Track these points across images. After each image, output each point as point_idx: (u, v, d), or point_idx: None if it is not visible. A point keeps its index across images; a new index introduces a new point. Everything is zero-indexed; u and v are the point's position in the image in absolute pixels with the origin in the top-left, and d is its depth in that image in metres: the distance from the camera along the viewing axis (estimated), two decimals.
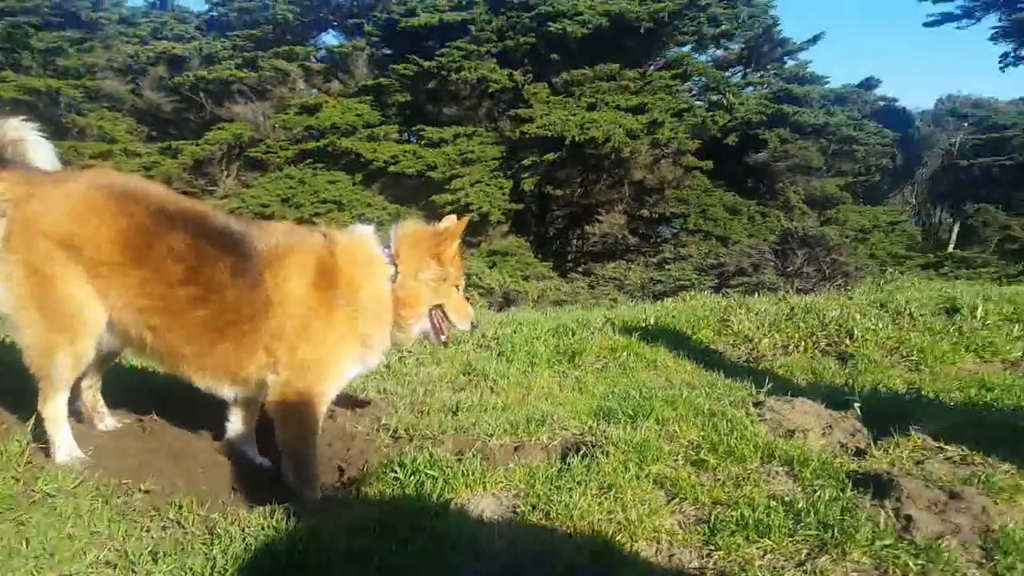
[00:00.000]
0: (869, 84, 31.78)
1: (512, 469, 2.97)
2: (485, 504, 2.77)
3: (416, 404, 3.96)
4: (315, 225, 3.17)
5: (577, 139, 21.03)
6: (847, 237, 19.55)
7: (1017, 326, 6.03)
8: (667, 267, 14.62)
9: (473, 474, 2.89)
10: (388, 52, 26.59)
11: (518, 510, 2.72)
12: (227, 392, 2.94)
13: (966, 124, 48.31)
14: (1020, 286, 9.33)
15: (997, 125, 43.81)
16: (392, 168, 23.40)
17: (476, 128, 24.37)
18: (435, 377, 4.62)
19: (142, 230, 2.70)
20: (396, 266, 2.95)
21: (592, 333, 5.80)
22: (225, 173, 24.96)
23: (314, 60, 27.64)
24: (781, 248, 11.29)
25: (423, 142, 24.22)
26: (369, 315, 2.89)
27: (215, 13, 29.27)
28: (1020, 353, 5.58)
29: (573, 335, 5.74)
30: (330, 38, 31.08)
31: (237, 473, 3.04)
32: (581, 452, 3.12)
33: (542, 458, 3.19)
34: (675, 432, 3.36)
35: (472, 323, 3.16)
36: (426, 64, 23.73)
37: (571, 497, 2.70)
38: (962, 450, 3.24)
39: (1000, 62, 32.02)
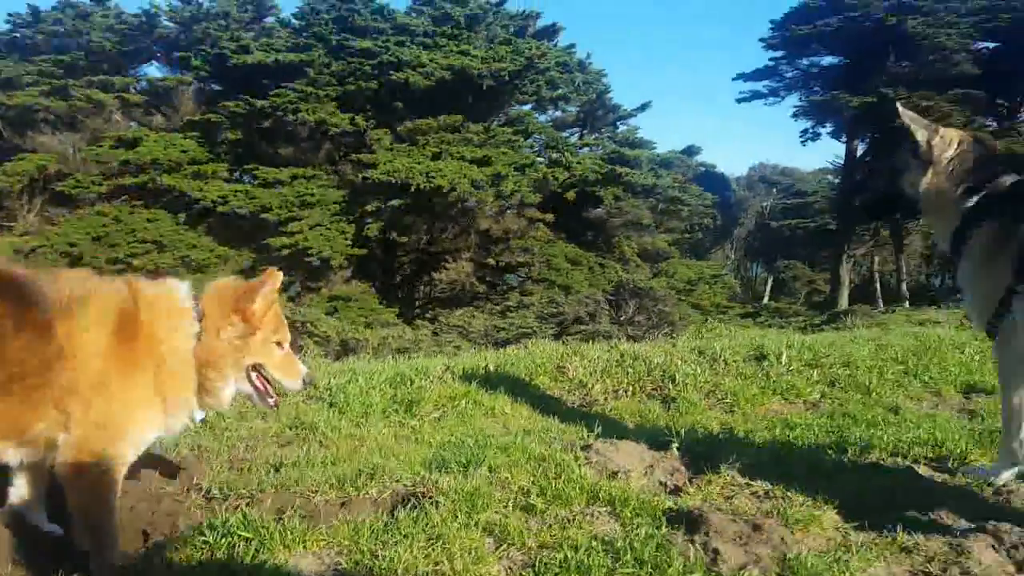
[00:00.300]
0: (691, 151, 34.82)
1: (336, 525, 2.85)
2: (305, 564, 2.64)
3: (235, 461, 3.73)
4: (125, 270, 2.89)
5: (422, 187, 21.25)
6: (674, 289, 21.06)
7: (816, 371, 6.65)
8: (510, 315, 14.99)
9: (292, 533, 2.75)
10: (218, 88, 25.65)
11: (340, 568, 2.62)
12: (11, 455, 2.60)
13: (775, 190, 53.99)
14: (821, 334, 10.31)
15: (801, 192, 49.43)
16: (221, 208, 22.37)
17: (316, 171, 23.94)
18: (258, 432, 4.38)
19: None
20: (200, 324, 2.74)
21: (431, 382, 5.75)
22: (26, 208, 22.71)
23: (134, 91, 26.04)
24: (615, 298, 11.96)
25: (257, 182, 23.41)
26: (170, 373, 2.67)
27: (17, 35, 26.97)
28: (819, 395, 6.15)
29: (411, 384, 5.67)
30: (153, 70, 29.63)
31: (20, 543, 2.70)
32: (411, 504, 3.06)
33: (371, 513, 3.08)
34: (507, 479, 3.39)
35: (304, 380, 2.97)
36: (259, 103, 23.10)
37: (397, 551, 2.63)
38: (766, 485, 3.50)
39: (801, 137, 36.21)
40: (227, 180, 24.08)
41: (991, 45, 32.37)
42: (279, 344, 2.89)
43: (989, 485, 3.45)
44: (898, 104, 3.81)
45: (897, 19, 30.33)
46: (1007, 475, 3.44)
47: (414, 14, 29.06)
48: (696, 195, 28.48)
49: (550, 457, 3.58)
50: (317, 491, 3.24)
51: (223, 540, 2.71)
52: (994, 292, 3.15)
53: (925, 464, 3.84)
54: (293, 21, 29.73)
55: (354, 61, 25.06)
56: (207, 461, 3.72)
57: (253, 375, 2.84)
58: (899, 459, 3.95)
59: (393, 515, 2.96)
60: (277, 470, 3.62)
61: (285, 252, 22.06)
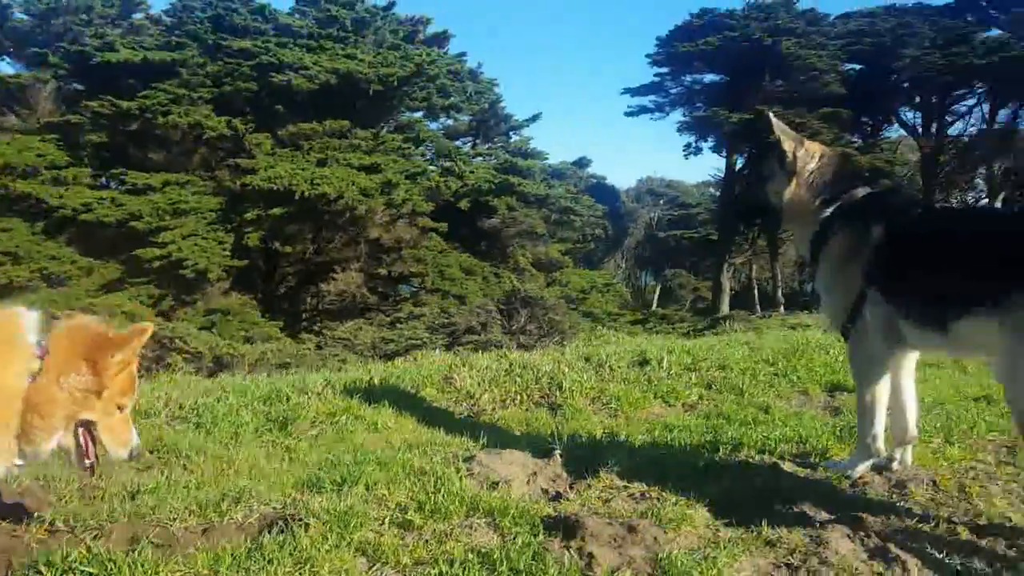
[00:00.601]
0: (582, 163, 35.71)
1: (194, 555, 2.66)
2: None
3: (87, 489, 3.43)
4: None
5: (307, 194, 20.62)
6: (567, 298, 21.41)
7: (694, 374, 6.89)
8: (399, 326, 14.76)
9: (144, 565, 2.53)
10: (79, 87, 23.92)
11: None
12: None
13: (662, 202, 56.20)
14: (702, 339, 10.72)
15: (686, 204, 51.79)
16: (84, 216, 20.77)
17: (190, 177, 22.77)
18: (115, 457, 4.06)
19: None
20: (41, 363, 2.43)
21: (309, 398, 5.53)
22: None
23: None
24: (507, 308, 12.01)
25: (124, 188, 21.96)
26: None
27: None
28: (697, 397, 6.36)
29: (288, 401, 5.43)
30: (4, 66, 27.42)
31: None
32: (278, 528, 2.89)
33: (234, 539, 2.89)
34: (384, 495, 3.28)
35: (131, 452, 2.70)
36: (126, 104, 21.70)
37: None
38: (643, 487, 3.57)
39: (684, 151, 37.78)
40: (91, 186, 22.41)
41: (857, 67, 35.00)
42: (120, 407, 2.62)
43: (847, 478, 3.64)
44: (770, 114, 4.02)
45: (772, 40, 32.28)
46: (862, 468, 3.66)
47: (297, 15, 28.35)
48: (588, 206, 29.16)
49: (430, 471, 3.50)
50: (176, 518, 3.02)
51: None
52: (847, 296, 3.35)
53: (790, 460, 4.01)
54: (164, 18, 28.34)
55: (231, 62, 24.06)
56: (54, 490, 3.40)
57: (80, 431, 2.55)
58: (767, 456, 4.11)
59: (258, 540, 2.79)
60: (133, 498, 3.35)
61: (156, 264, 20.77)
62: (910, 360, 3.60)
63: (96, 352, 2.48)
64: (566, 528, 2.90)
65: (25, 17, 26.68)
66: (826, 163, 3.60)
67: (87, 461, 2.61)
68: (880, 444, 3.60)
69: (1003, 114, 34.00)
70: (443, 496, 3.20)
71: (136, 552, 2.61)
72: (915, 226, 3.31)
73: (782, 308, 32.56)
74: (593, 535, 2.82)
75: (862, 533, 3.05)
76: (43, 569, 2.49)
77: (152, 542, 2.71)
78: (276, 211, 21.52)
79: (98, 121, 22.54)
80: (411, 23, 30.37)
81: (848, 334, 3.45)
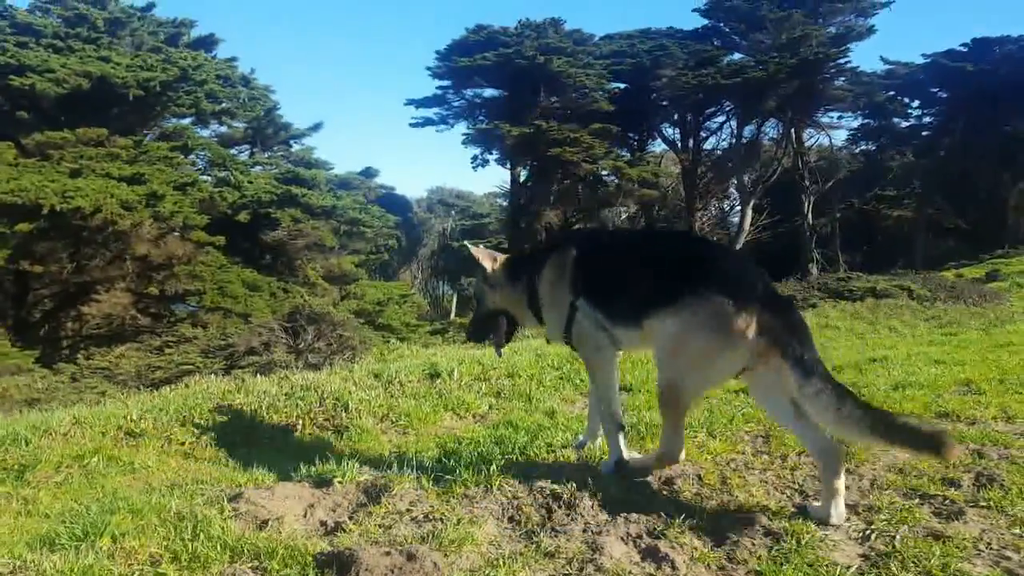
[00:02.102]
0: (369, 173, 35.18)
1: None
2: None
3: None
4: None
5: (58, 208, 18.29)
6: (363, 311, 20.89)
7: (484, 384, 7.00)
8: (168, 351, 13.46)
9: None
10: None
11: None
12: None
13: (454, 212, 57.12)
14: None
15: (477, 214, 53.06)
16: None
17: None
18: None
19: None
20: None
21: (53, 440, 4.87)
22: None
23: None
24: (291, 325, 11.40)
25: None
26: None
27: None
28: (487, 407, 6.45)
29: (27, 445, 4.73)
30: None
31: None
32: None
33: None
34: (133, 548, 2.91)
35: None
36: None
37: None
38: (428, 508, 3.48)
39: (472, 162, 38.54)
40: None
41: (621, 86, 37.66)
42: None
43: (621, 471, 3.83)
44: (466, 243, 4.77)
45: (544, 58, 33.92)
46: (621, 444, 3.93)
47: (39, 13, 25.26)
48: (378, 216, 28.67)
49: (189, 514, 3.17)
50: None
51: None
52: (562, 312, 3.99)
53: (572, 465, 4.11)
54: None
55: None
56: None
57: None
58: (552, 460, 4.20)
59: None
60: None
61: None
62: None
63: None
64: (340, 564, 2.74)
65: None
66: (504, 262, 4.40)
67: None
68: (620, 414, 4.07)
69: (748, 130, 38.07)
70: (202, 543, 2.90)
71: None
72: (598, 249, 4.19)
73: None
74: (368, 569, 2.68)
75: (635, 534, 3.17)
76: None
77: None
78: (22, 227, 18.83)
79: None
80: (173, 25, 28.20)
81: (569, 340, 4.03)
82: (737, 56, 37.59)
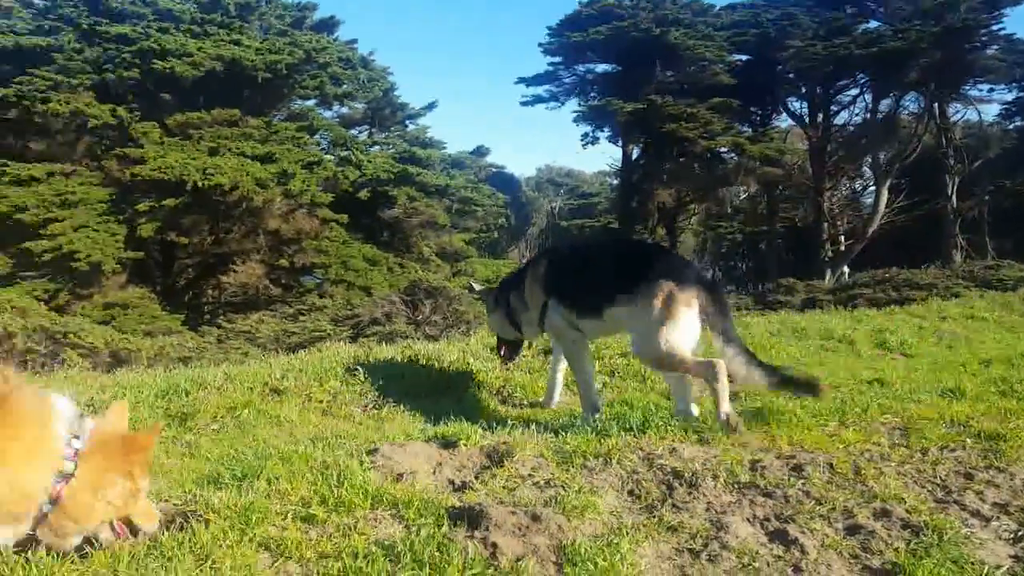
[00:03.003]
0: (480, 152, 35.58)
1: (91, 554, 2.56)
2: None
3: None
4: None
5: (200, 184, 19.74)
6: (468, 288, 21.38)
7: (598, 362, 7.02)
8: (302, 318, 14.37)
9: (38, 567, 2.44)
10: None
11: None
12: None
13: (562, 191, 57.02)
14: None
15: (586, 193, 52.62)
16: None
17: (75, 167, 21.44)
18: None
19: None
20: (75, 468, 2.40)
21: (209, 392, 5.38)
22: None
23: None
24: (411, 299, 11.90)
25: (7, 179, 20.52)
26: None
27: None
28: (600, 385, 6.48)
29: (187, 396, 5.26)
30: None
31: None
32: (178, 525, 2.82)
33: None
34: (286, 490, 3.23)
35: (159, 523, 2.75)
36: (2, 92, 20.32)
37: None
38: (548, 475, 3.64)
39: (582, 140, 37.93)
40: None
41: (743, 58, 35.60)
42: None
43: (590, 426, 4.37)
44: (470, 281, 6.57)
45: (661, 30, 32.63)
46: (594, 418, 4.62)
47: (178, 0, 27.07)
48: (488, 195, 29.10)
49: (334, 464, 3.46)
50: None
51: None
52: (537, 308, 5.14)
53: (692, 445, 4.12)
54: (36, 1, 26.45)
55: (111, 48, 22.74)
56: None
57: (117, 523, 2.59)
58: (668, 441, 4.24)
59: (157, 537, 2.71)
60: None
61: (47, 256, 19.58)
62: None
63: (129, 460, 2.54)
64: (471, 518, 2.92)
65: None
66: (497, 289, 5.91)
67: (120, 540, 2.63)
68: (596, 398, 5.14)
69: (885, 104, 34.91)
70: (347, 489, 3.17)
71: (29, 554, 2.50)
72: (564, 259, 5.44)
73: None
74: (497, 525, 2.84)
75: (761, 516, 3.16)
76: None
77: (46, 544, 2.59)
78: (170, 202, 20.52)
79: None
80: (298, 9, 29.44)
81: (543, 329, 5.28)
82: (873, 24, 34.71)
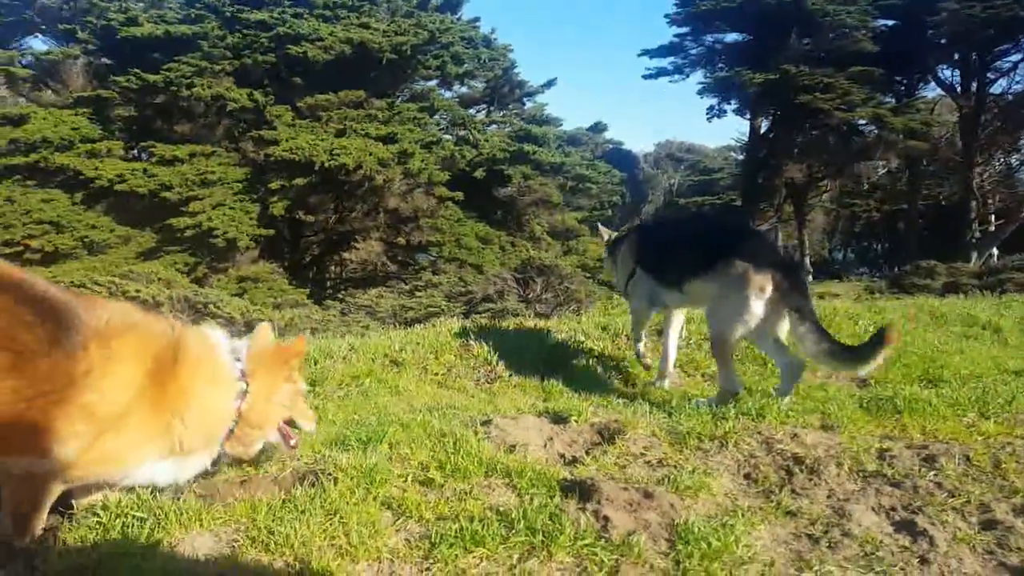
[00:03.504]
0: (598, 128, 35.09)
1: (233, 504, 2.81)
2: (201, 542, 2.61)
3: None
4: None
5: (327, 165, 20.69)
6: (584, 267, 21.35)
7: (707, 344, 6.92)
8: (418, 294, 14.88)
9: (188, 512, 2.70)
10: (108, 62, 24.14)
11: (237, 544, 2.59)
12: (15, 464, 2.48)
13: (682, 167, 55.49)
14: None
15: (707, 168, 50.83)
16: (119, 187, 21.23)
17: (215, 148, 22.96)
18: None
19: None
20: (247, 385, 2.85)
21: (335, 362, 5.67)
22: None
23: (19, 65, 24.26)
24: (522, 276, 12.04)
25: (154, 160, 22.28)
26: (193, 427, 2.68)
27: None
28: (716, 367, 6.41)
29: (316, 364, 5.57)
30: (38, 43, 27.54)
31: None
32: (309, 481, 3.03)
33: (270, 491, 3.04)
34: (406, 454, 3.39)
35: (314, 423, 3.27)
36: (152, 78, 21.91)
37: (294, 527, 2.62)
38: (661, 454, 3.63)
39: (707, 114, 36.83)
40: (123, 158, 22.77)
41: (889, 23, 32.98)
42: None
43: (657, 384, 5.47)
44: (599, 224, 6.98)
45: None
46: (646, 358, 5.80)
47: None
48: (604, 172, 28.75)
49: (450, 433, 3.60)
50: (216, 472, 3.17)
51: (116, 520, 2.66)
52: (626, 269, 5.72)
53: (814, 431, 3.99)
54: None
55: (249, 34, 24.07)
56: None
57: (282, 425, 3.07)
58: (789, 427, 4.11)
59: (291, 493, 2.92)
60: None
61: (189, 232, 21.21)
62: (676, 317, 5.70)
63: (288, 366, 3.02)
64: (582, 491, 2.97)
65: None
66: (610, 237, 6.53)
67: (292, 442, 3.14)
68: (641, 354, 5.83)
69: None
70: (462, 457, 3.29)
71: (182, 501, 2.78)
72: (652, 231, 6.32)
73: (810, 276, 31.83)
74: (609, 499, 2.88)
75: (888, 506, 3.05)
76: (100, 512, 2.68)
77: (195, 492, 2.88)
78: (299, 181, 21.67)
79: (127, 95, 22.78)
80: None
81: (625, 292, 5.92)
82: None
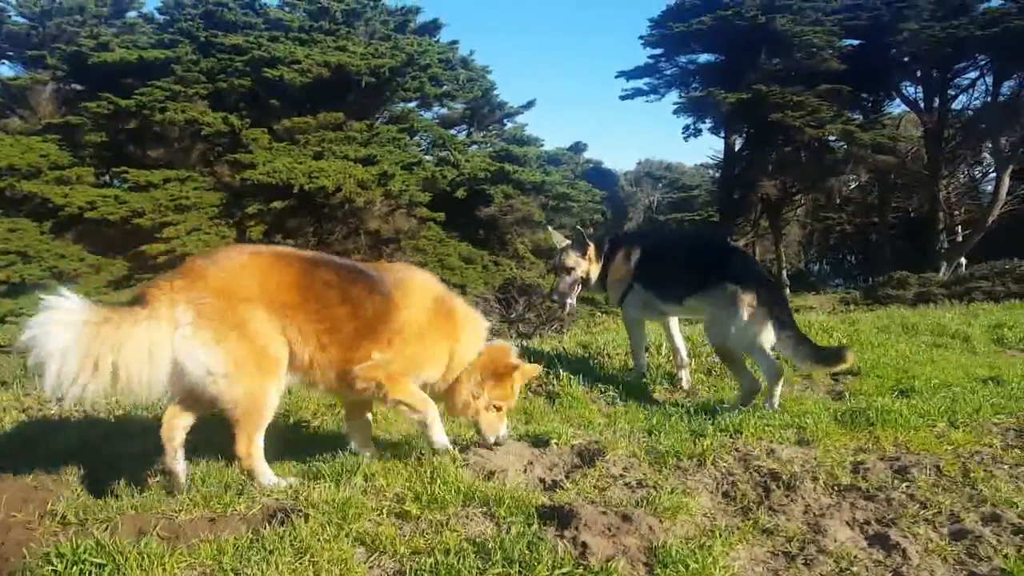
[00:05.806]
0: (578, 148, 35.36)
1: (198, 545, 2.72)
2: None
3: (95, 484, 3.51)
4: None
5: (306, 187, 20.60)
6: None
7: (694, 360, 6.89)
8: None
9: (150, 556, 2.60)
10: (78, 88, 23.96)
11: None
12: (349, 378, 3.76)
13: (661, 184, 55.95)
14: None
15: (685, 186, 51.39)
16: (89, 214, 20.88)
17: (190, 172, 22.77)
18: (124, 454, 4.14)
19: (304, 274, 3.70)
20: (480, 355, 4.10)
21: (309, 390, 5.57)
22: None
23: None
24: (504, 296, 12.02)
25: (127, 186, 22.03)
26: (461, 346, 4.00)
27: None
28: (696, 383, 6.40)
29: (289, 394, 5.41)
30: (5, 68, 27.37)
31: None
32: (279, 519, 2.96)
33: (238, 530, 2.96)
34: (382, 486, 3.33)
35: (498, 439, 3.96)
36: (124, 103, 21.73)
37: (261, 568, 2.55)
38: (640, 475, 3.60)
39: (683, 132, 37.21)
40: (94, 185, 22.51)
41: (855, 43, 33.81)
42: (498, 408, 4.00)
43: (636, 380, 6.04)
44: (548, 228, 7.42)
45: (767, 18, 31.43)
46: (637, 377, 6.21)
47: (288, 9, 28.22)
48: (585, 191, 28.94)
49: (427, 461, 3.55)
50: (181, 510, 3.09)
51: (73, 568, 2.55)
52: (622, 285, 6.11)
53: (790, 446, 3.99)
54: (157, 16, 28.32)
55: (224, 58, 24.05)
56: (67, 485, 3.49)
57: (485, 414, 4.03)
58: (765, 442, 4.11)
59: (259, 532, 2.85)
60: (142, 491, 3.42)
61: (162, 259, 20.89)
62: (672, 320, 6.20)
63: (494, 380, 3.99)
64: (561, 517, 2.93)
65: (22, 20, 26.64)
66: (595, 246, 6.57)
67: (491, 438, 3.97)
68: (644, 363, 6.32)
69: (1007, 86, 32.40)
70: (439, 486, 3.24)
71: (142, 544, 2.67)
72: (653, 251, 6.14)
73: (787, 289, 32.20)
74: (587, 525, 2.85)
75: (862, 520, 3.07)
76: (54, 560, 2.57)
77: (159, 534, 2.79)
78: (276, 204, 21.56)
79: (97, 121, 22.57)
80: (401, 13, 30.12)
81: (620, 304, 6.21)
82: (996, 2, 32.41)
